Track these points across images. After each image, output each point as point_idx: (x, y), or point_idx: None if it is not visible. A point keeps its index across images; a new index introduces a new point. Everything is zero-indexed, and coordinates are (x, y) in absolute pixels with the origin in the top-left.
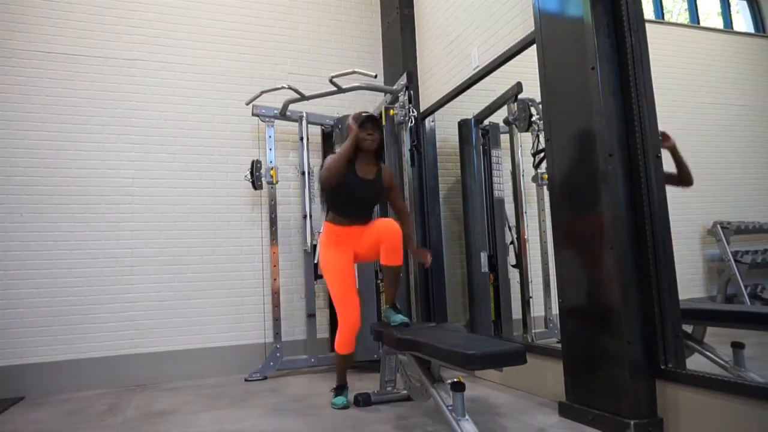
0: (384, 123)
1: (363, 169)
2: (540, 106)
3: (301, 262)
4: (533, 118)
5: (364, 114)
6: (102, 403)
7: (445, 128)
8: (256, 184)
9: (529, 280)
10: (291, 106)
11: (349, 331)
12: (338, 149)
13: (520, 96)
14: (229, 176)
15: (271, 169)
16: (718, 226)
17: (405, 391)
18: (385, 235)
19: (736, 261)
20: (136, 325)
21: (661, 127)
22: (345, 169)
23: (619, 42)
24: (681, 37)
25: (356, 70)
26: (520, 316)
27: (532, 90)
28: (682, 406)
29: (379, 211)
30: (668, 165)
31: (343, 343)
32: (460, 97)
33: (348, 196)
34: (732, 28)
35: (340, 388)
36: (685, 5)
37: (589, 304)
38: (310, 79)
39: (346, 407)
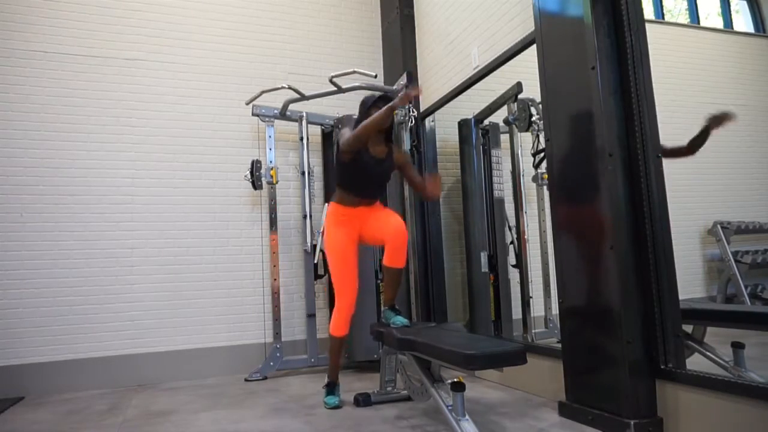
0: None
1: (375, 149)
2: (540, 106)
3: (301, 262)
4: (533, 118)
5: (377, 94)
6: (102, 403)
7: (445, 128)
8: (256, 184)
9: (529, 280)
10: (291, 106)
11: (345, 311)
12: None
13: (520, 96)
14: (229, 176)
15: (271, 169)
16: (718, 226)
17: (405, 391)
18: (391, 235)
19: (736, 261)
20: (136, 325)
21: (661, 128)
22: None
23: (619, 42)
24: (681, 37)
25: (356, 70)
26: (520, 316)
27: (532, 90)
28: (682, 406)
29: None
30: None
31: (338, 324)
32: (460, 97)
33: (360, 173)
34: (732, 28)
35: (331, 386)
36: (685, 5)
37: (589, 304)
38: (310, 79)
39: (338, 407)
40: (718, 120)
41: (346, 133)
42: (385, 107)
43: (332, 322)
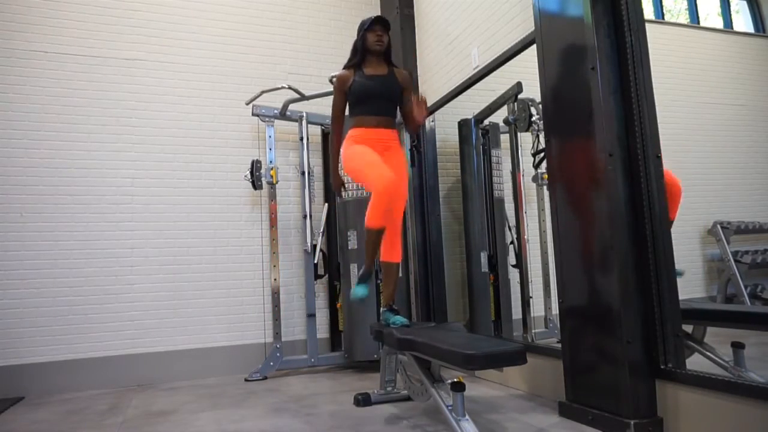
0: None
1: (373, 69)
2: (540, 106)
3: (301, 262)
4: (533, 118)
5: (373, 17)
6: (102, 403)
7: (445, 128)
8: (256, 184)
9: (529, 280)
10: (291, 106)
11: (381, 199)
12: (348, 60)
13: (520, 96)
14: (229, 176)
15: (271, 169)
16: (718, 226)
17: (405, 391)
18: (388, 221)
19: (736, 261)
20: (136, 325)
21: (660, 128)
22: (350, 80)
23: (619, 42)
24: (681, 37)
25: None
26: (520, 316)
27: (532, 90)
28: (682, 406)
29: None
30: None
31: (374, 215)
32: (460, 97)
33: (363, 94)
34: (732, 28)
35: (365, 276)
36: (685, 5)
37: (589, 304)
38: (310, 79)
39: (364, 298)
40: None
41: (335, 93)
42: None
43: (368, 213)
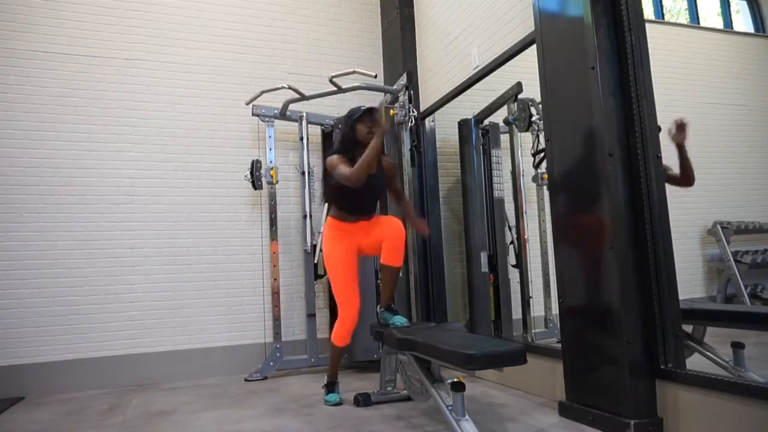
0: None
1: None
2: (540, 106)
3: (301, 262)
4: (533, 118)
5: (363, 108)
6: (102, 403)
7: (445, 128)
8: (256, 184)
9: (529, 280)
10: (291, 106)
11: (348, 323)
12: (337, 148)
13: (520, 96)
14: (229, 176)
15: (271, 169)
16: (718, 226)
17: (405, 391)
18: (388, 234)
19: (736, 261)
20: (136, 325)
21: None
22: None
23: (619, 42)
24: (681, 37)
25: (356, 70)
26: (520, 316)
27: (532, 90)
28: (682, 406)
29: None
30: (671, 162)
31: (341, 336)
32: (460, 97)
33: (353, 192)
34: (732, 28)
35: (332, 385)
36: (685, 5)
37: (589, 304)
38: (310, 79)
39: (339, 404)
40: (679, 133)
41: (337, 166)
42: (374, 141)
43: (336, 332)
